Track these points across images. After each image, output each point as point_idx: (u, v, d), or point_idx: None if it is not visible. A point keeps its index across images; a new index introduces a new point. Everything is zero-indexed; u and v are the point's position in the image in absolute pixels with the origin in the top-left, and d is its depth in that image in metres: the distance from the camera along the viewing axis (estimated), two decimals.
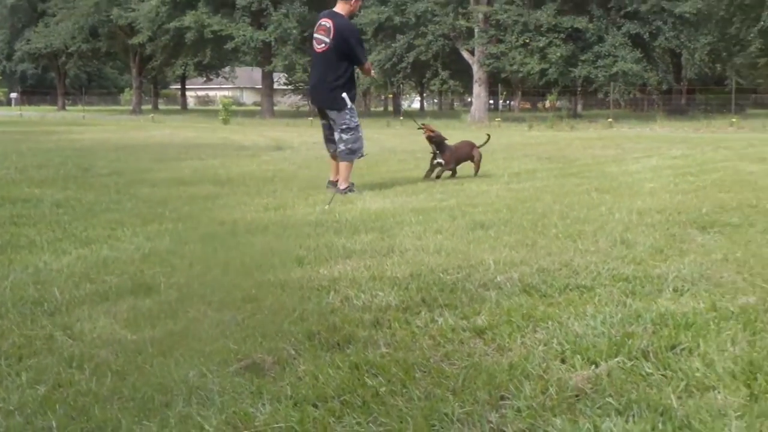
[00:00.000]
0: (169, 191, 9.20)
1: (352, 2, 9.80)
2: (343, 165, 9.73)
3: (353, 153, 9.76)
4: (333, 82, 9.67)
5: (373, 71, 10.65)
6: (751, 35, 43.63)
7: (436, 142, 10.86)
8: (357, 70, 10.03)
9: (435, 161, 10.94)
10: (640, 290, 4.38)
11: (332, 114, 9.78)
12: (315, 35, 9.81)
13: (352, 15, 10.00)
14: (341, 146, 9.72)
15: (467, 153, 11.44)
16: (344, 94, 9.64)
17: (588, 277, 4.68)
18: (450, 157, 10.99)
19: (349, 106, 9.70)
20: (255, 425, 2.69)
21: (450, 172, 11.15)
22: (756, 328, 3.61)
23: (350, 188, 9.57)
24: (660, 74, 45.47)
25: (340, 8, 9.77)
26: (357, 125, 9.78)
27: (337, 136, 9.79)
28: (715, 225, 6.54)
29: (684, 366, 3.16)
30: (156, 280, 4.67)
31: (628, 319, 3.78)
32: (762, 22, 42.02)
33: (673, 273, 4.73)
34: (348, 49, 9.65)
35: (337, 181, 9.72)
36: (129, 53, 62.24)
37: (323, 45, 9.68)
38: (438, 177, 10.88)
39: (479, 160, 11.48)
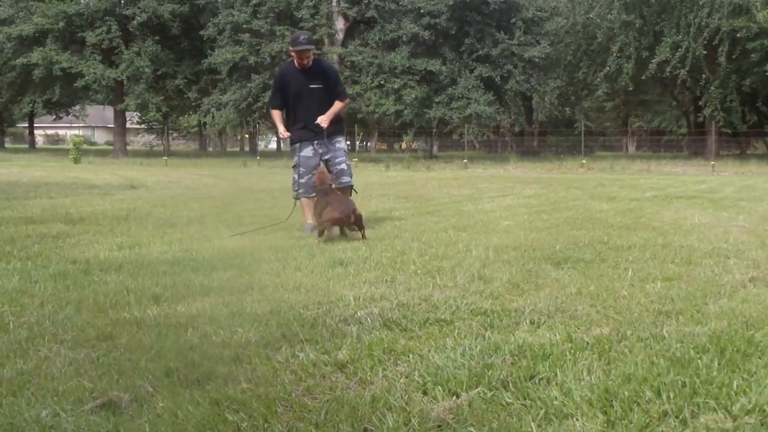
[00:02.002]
0: (17, 230, 8.86)
1: (291, 53, 9.51)
2: None
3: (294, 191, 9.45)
4: None
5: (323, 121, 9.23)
6: (598, 80, 45.25)
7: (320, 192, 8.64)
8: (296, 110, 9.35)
9: None
10: (498, 323, 4.44)
11: None
12: None
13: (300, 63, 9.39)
14: None
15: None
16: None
17: (447, 311, 4.73)
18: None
19: (291, 146, 9.54)
20: None
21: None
22: (610, 357, 3.71)
23: (306, 227, 9.05)
24: (512, 116, 46.94)
25: None
26: (294, 165, 9.42)
27: None
28: (569, 261, 6.70)
29: (543, 395, 3.21)
30: (4, 320, 4.50)
31: (488, 351, 3.82)
32: (608, 68, 43.67)
33: (530, 306, 4.82)
34: None
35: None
36: None
37: None
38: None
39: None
